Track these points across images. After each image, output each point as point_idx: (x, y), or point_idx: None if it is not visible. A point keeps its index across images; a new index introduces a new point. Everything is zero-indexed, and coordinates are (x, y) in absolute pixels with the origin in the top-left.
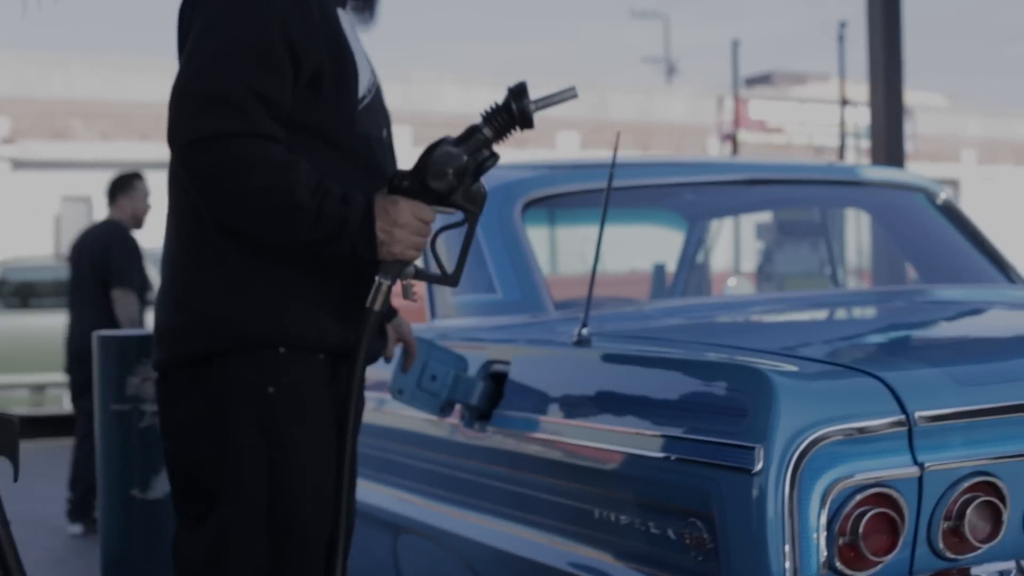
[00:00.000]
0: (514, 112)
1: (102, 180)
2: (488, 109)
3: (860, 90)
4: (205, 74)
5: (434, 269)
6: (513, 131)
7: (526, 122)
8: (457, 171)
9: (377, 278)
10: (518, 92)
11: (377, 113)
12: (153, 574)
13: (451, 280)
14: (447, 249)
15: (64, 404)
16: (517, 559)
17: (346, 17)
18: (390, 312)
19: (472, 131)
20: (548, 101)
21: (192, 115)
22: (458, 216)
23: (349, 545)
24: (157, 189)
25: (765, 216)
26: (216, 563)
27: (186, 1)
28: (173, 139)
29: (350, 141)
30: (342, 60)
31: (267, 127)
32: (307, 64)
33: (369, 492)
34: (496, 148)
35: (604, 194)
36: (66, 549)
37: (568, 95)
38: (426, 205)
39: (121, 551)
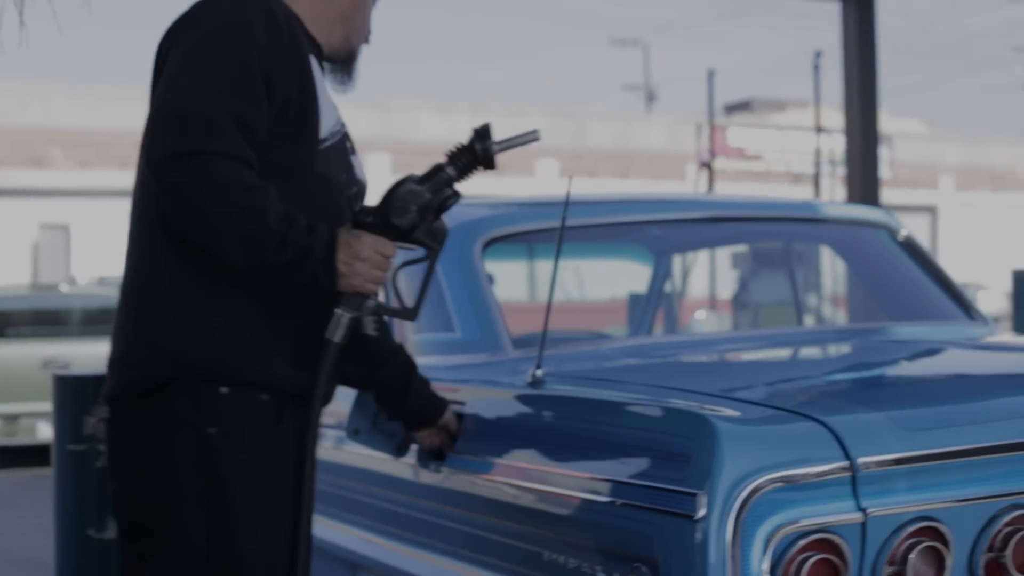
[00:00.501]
0: (477, 153)
1: (80, 208)
2: (453, 149)
3: (840, 118)
4: (187, 94)
5: (395, 303)
6: (476, 171)
7: (488, 163)
8: (419, 208)
9: (337, 310)
10: (482, 133)
11: (341, 160)
12: None
13: (410, 315)
14: (408, 284)
15: (37, 434)
16: None
17: (317, 66)
18: (440, 404)
19: (436, 170)
20: (511, 143)
21: (172, 131)
22: (420, 252)
23: None
24: None
25: (741, 246)
26: None
27: (166, 35)
28: (151, 153)
29: (309, 179)
30: (307, 99)
31: (243, 151)
32: (277, 96)
33: (327, 530)
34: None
35: (570, 231)
36: None
37: (530, 138)
38: (388, 240)
39: None
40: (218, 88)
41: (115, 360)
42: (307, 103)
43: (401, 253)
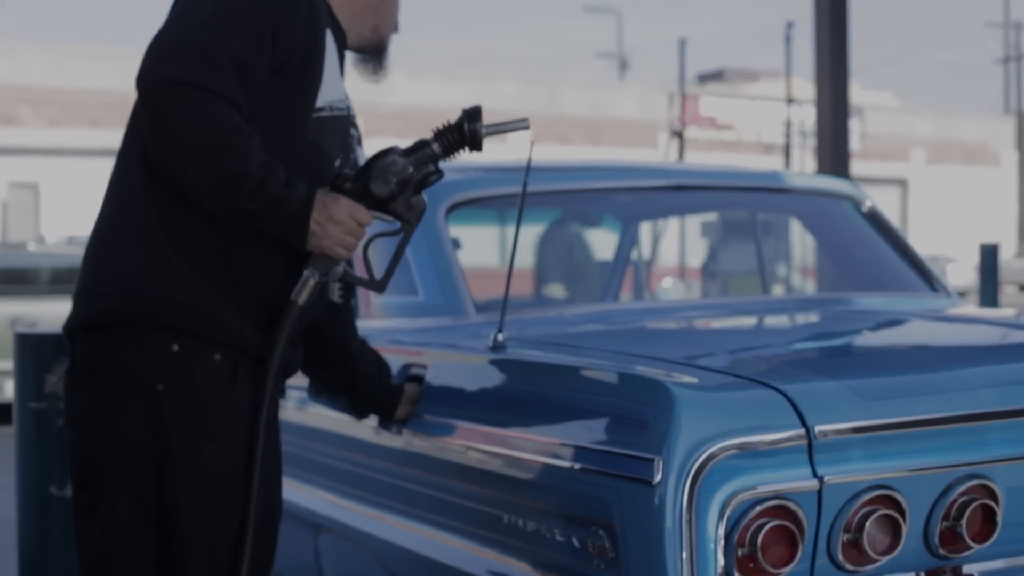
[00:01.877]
0: (465, 133)
1: (50, 167)
2: (440, 126)
3: (812, 89)
4: (192, 28)
5: (363, 273)
6: (461, 151)
7: (475, 144)
8: (400, 181)
9: (305, 272)
10: (472, 115)
11: (334, 134)
12: (70, 571)
13: (378, 286)
14: (377, 256)
15: (3, 392)
16: (430, 562)
17: (333, 43)
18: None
19: (421, 145)
20: (500, 128)
21: (170, 59)
22: (395, 224)
23: (267, 550)
24: (102, 179)
25: (710, 215)
26: (106, 552)
27: None
28: (145, 76)
29: (296, 144)
30: (310, 63)
31: (236, 93)
32: (280, 50)
33: (289, 490)
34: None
35: (535, 197)
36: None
37: (520, 125)
38: (364, 208)
39: (38, 548)
40: (224, 27)
41: (74, 293)
42: (309, 66)
43: (376, 224)
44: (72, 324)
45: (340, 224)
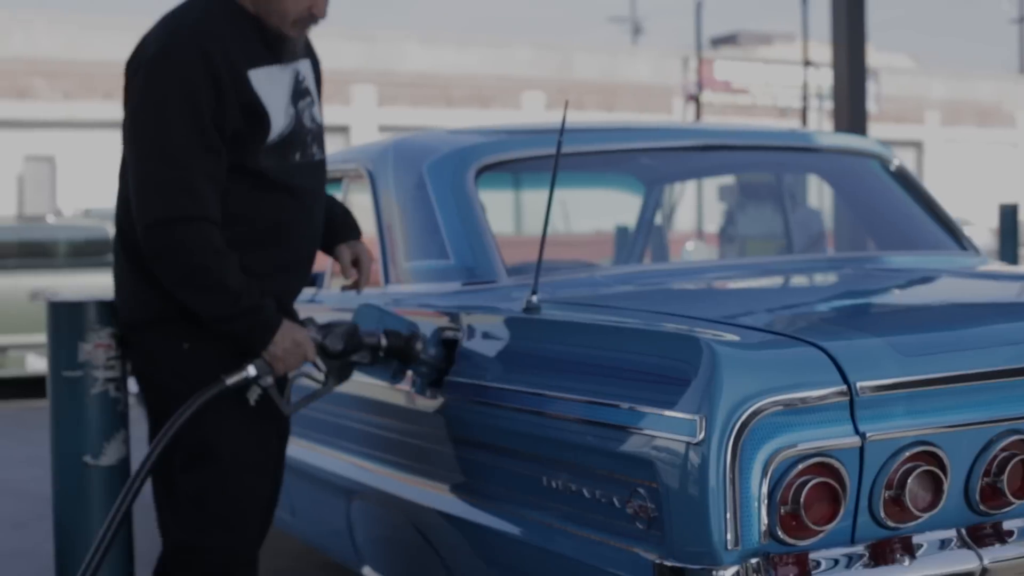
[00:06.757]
0: (414, 350)
1: (65, 140)
2: (398, 341)
3: (826, 51)
4: (165, 158)
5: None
6: (399, 357)
7: (409, 361)
8: (349, 347)
9: (247, 366)
10: (423, 341)
11: (292, 142)
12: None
13: (284, 412)
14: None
15: (26, 366)
16: (467, 524)
17: (264, 73)
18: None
19: (374, 334)
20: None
21: (155, 197)
22: (320, 376)
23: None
24: (117, 151)
25: (728, 178)
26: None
27: (131, 61)
28: (139, 219)
29: (255, 168)
30: (256, 117)
31: (213, 210)
32: (226, 133)
33: (323, 457)
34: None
35: (561, 159)
36: (27, 513)
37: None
38: (313, 349)
39: (74, 518)
40: (188, 149)
41: (118, 303)
42: (255, 122)
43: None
44: (124, 324)
45: (298, 345)
